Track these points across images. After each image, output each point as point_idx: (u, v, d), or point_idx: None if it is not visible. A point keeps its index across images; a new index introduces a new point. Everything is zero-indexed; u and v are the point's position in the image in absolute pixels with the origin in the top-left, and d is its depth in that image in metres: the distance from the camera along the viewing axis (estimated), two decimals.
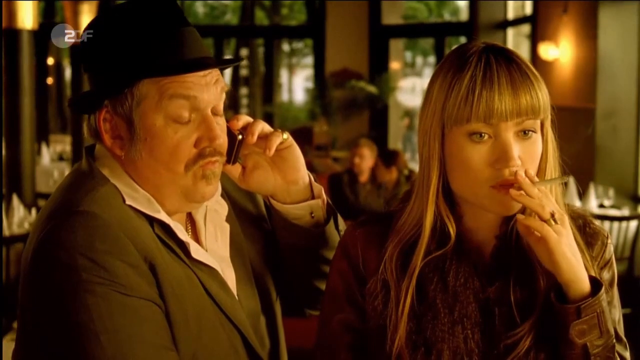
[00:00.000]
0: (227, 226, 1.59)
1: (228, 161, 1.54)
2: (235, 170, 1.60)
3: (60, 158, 11.27)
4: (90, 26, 1.48)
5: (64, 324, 1.34)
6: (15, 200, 6.00)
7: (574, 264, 1.36)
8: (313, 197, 1.64)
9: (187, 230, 1.54)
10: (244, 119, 1.57)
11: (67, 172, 7.10)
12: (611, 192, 7.27)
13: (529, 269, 1.44)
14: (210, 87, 1.45)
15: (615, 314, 1.47)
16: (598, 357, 1.38)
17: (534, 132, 1.41)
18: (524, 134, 1.40)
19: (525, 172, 1.38)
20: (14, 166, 6.81)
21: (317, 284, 1.68)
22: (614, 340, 1.41)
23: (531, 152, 1.41)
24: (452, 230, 1.45)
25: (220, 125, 1.48)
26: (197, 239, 1.55)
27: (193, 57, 1.44)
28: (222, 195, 1.61)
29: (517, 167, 1.38)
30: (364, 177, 7.28)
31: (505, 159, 1.38)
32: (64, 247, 1.35)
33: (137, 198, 1.45)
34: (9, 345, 3.05)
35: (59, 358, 1.36)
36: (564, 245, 1.35)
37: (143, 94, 1.42)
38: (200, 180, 1.46)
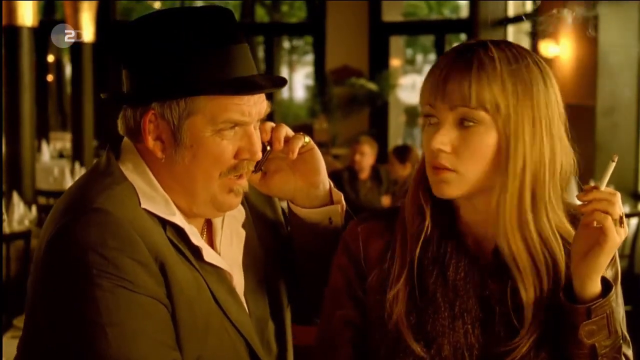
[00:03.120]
0: (243, 232, 1.61)
1: (254, 170, 1.55)
2: (255, 176, 1.61)
3: (60, 155, 11.27)
4: (143, 22, 1.47)
5: (72, 316, 1.37)
6: (15, 197, 6.00)
7: (604, 266, 1.37)
8: (332, 203, 1.65)
9: (202, 233, 1.56)
10: (270, 126, 1.59)
11: (67, 169, 7.05)
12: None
13: (532, 268, 1.44)
14: (257, 105, 1.48)
15: (618, 312, 1.47)
16: (605, 358, 1.39)
17: (474, 123, 1.40)
18: (463, 122, 1.41)
19: (585, 188, 1.36)
20: (14, 163, 6.82)
21: None
22: (621, 341, 1.41)
23: (467, 142, 1.40)
24: (427, 217, 1.47)
25: (257, 134, 1.51)
26: (211, 243, 1.57)
27: (246, 74, 1.46)
28: (240, 202, 1.61)
29: (442, 151, 1.40)
30: (364, 174, 7.27)
31: (433, 142, 1.40)
32: (77, 243, 1.37)
33: (154, 198, 1.46)
34: (9, 343, 3.04)
35: (65, 349, 1.38)
36: (615, 247, 1.36)
37: (196, 108, 1.43)
38: (229, 193, 1.49)
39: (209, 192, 1.48)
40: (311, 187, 1.63)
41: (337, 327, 1.53)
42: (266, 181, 1.63)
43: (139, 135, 1.47)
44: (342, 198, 1.67)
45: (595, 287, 1.38)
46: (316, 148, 1.63)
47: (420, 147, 1.53)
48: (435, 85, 1.40)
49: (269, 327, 1.61)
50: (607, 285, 1.39)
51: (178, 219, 1.47)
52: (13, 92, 6.81)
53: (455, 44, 1.52)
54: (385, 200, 7.05)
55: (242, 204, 1.62)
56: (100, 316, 1.35)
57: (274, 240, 1.69)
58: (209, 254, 1.50)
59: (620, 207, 1.35)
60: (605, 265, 1.37)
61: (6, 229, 5.51)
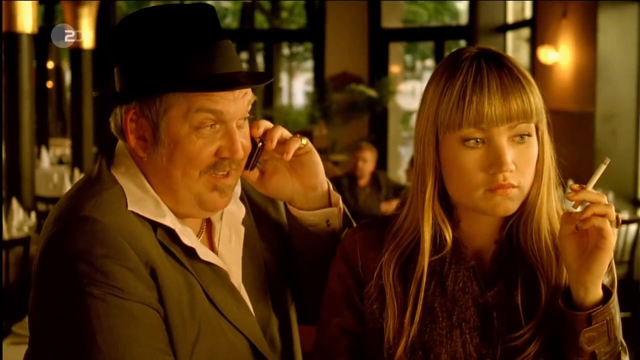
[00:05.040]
0: (242, 229, 1.60)
1: (247, 167, 1.55)
2: (252, 175, 1.61)
3: (60, 161, 11.26)
4: (128, 21, 1.48)
5: (64, 325, 1.37)
6: (14, 203, 6.00)
7: (605, 269, 1.37)
8: (330, 205, 1.65)
9: (201, 232, 1.56)
10: (264, 125, 1.58)
11: (66, 175, 7.01)
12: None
13: (530, 274, 1.44)
14: (238, 101, 1.46)
15: (617, 318, 1.47)
16: None
17: (529, 135, 1.41)
18: (520, 138, 1.40)
19: (571, 187, 1.37)
20: (13, 169, 6.82)
21: None
22: (620, 348, 1.41)
23: (526, 156, 1.41)
24: (448, 235, 1.45)
25: (243, 131, 1.50)
26: (210, 239, 1.57)
27: (225, 71, 1.45)
28: (241, 198, 1.62)
29: (510, 171, 1.39)
30: (364, 180, 7.27)
31: (498, 164, 1.38)
32: (65, 252, 1.38)
33: (144, 200, 1.46)
34: (8, 349, 3.04)
35: (59, 358, 1.38)
36: (613, 248, 1.36)
37: (171, 103, 1.43)
38: (213, 191, 1.48)
39: (191, 191, 1.47)
40: (309, 189, 1.62)
41: (334, 335, 1.52)
42: (263, 181, 1.62)
43: (125, 135, 1.48)
44: (340, 200, 1.66)
45: (597, 293, 1.38)
46: (314, 151, 1.62)
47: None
48: (487, 106, 1.37)
49: (272, 323, 1.60)
50: (607, 291, 1.39)
51: (168, 221, 1.46)
52: (13, 98, 6.81)
53: (450, 52, 1.51)
54: (385, 207, 7.05)
55: (243, 200, 1.63)
56: (89, 323, 1.35)
57: (277, 238, 1.68)
58: (203, 253, 1.49)
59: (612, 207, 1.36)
60: (606, 268, 1.37)
61: (5, 235, 5.51)
